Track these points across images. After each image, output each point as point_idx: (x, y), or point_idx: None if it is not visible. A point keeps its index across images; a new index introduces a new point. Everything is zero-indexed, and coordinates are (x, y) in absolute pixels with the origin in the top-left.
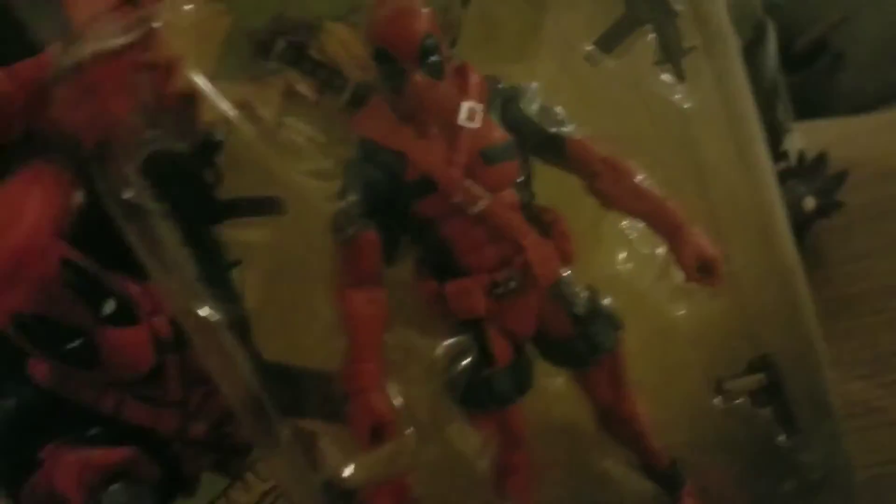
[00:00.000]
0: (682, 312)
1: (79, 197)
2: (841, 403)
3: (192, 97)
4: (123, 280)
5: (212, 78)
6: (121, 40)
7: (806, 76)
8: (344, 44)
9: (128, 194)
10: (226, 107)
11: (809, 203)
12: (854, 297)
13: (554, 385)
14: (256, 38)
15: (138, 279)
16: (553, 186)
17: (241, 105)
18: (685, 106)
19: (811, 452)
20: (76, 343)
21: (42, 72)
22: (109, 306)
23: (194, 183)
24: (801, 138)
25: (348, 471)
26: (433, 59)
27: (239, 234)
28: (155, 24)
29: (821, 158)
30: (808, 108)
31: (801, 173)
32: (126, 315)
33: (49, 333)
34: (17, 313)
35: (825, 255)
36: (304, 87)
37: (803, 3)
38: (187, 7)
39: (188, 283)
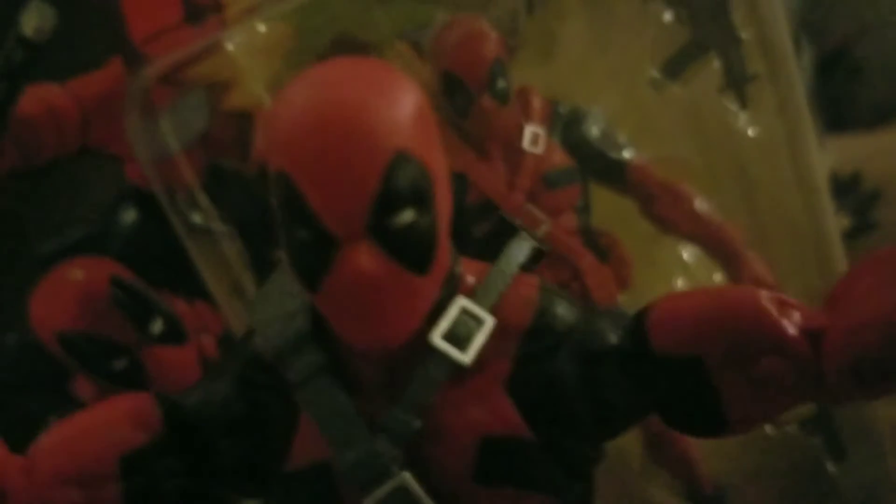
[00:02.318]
0: None
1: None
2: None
3: (249, 114)
4: (172, 299)
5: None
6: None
7: (824, 87)
8: (407, 63)
9: (196, 217)
10: None
11: (843, 222)
12: None
13: None
14: (318, 59)
15: (187, 298)
16: (607, 209)
17: None
18: (748, 132)
19: (856, 478)
20: (122, 361)
21: (99, 88)
22: (157, 325)
23: (258, 204)
24: (832, 154)
25: None
26: (501, 83)
27: None
28: (218, 44)
29: (855, 177)
30: (827, 120)
31: (834, 191)
32: (174, 334)
33: (94, 351)
34: (62, 331)
35: None
36: None
37: (821, 13)
38: (252, 26)
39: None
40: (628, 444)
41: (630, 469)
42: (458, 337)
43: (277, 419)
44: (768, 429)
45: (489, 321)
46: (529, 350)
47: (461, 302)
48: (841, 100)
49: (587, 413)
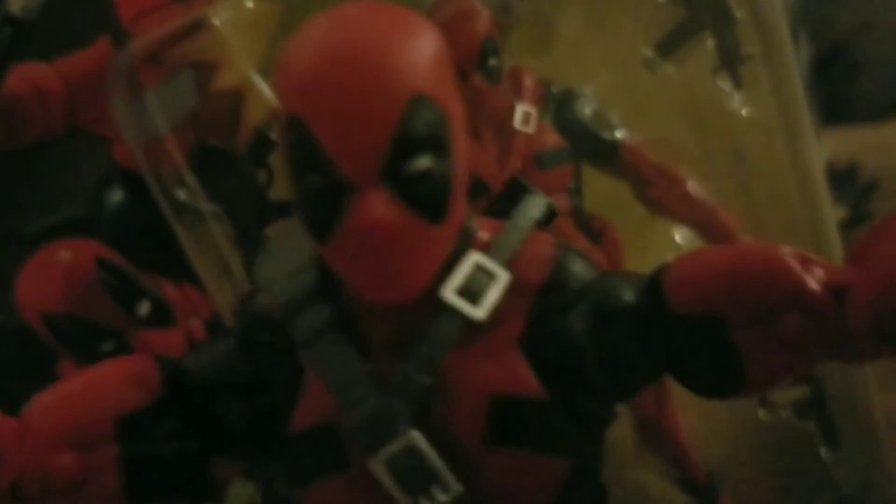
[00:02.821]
0: None
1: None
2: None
3: (238, 94)
4: (160, 282)
5: (260, 75)
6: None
7: (822, 83)
8: None
9: (181, 195)
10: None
11: (839, 213)
12: None
13: None
14: None
15: (175, 281)
16: (600, 192)
17: None
18: (742, 113)
19: (850, 465)
20: (109, 344)
21: (87, 68)
22: (144, 308)
23: (247, 183)
24: (829, 146)
25: None
26: (492, 62)
27: None
28: (205, 21)
29: (852, 168)
30: (825, 115)
31: (831, 183)
32: (161, 317)
33: (81, 334)
34: (49, 313)
35: None
36: None
37: (819, 10)
38: (239, 4)
39: (238, 284)
40: (620, 429)
41: (621, 455)
42: (471, 292)
43: (282, 379)
44: (762, 414)
45: (503, 276)
46: (544, 307)
47: (475, 257)
48: (839, 95)
49: (601, 372)
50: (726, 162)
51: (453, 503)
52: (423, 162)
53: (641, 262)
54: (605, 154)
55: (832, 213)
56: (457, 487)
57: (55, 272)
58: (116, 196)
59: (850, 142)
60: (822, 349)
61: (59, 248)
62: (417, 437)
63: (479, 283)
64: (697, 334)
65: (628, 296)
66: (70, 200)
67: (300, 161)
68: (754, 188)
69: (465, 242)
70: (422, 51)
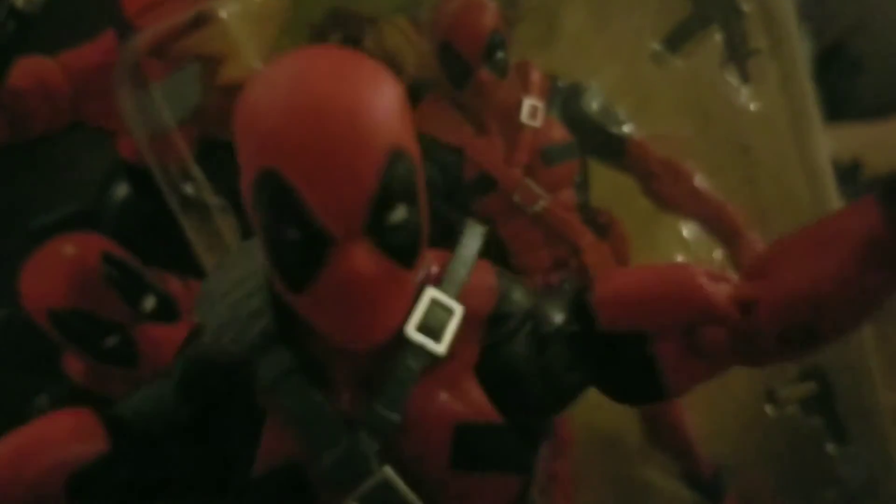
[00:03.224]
0: None
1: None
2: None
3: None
4: (164, 276)
5: None
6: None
7: (822, 81)
8: (405, 37)
9: (188, 189)
10: None
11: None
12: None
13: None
14: (314, 30)
15: (180, 276)
16: (606, 187)
17: None
18: (750, 108)
19: (857, 461)
20: (114, 339)
21: (91, 62)
22: (149, 302)
23: None
24: (831, 143)
25: None
26: (499, 55)
27: None
28: (211, 14)
29: (855, 165)
30: (827, 112)
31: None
32: (166, 312)
33: (86, 329)
34: (53, 308)
35: None
36: None
37: (819, 7)
38: None
39: None
40: (625, 425)
41: (627, 451)
42: (430, 328)
43: (237, 423)
44: (769, 410)
45: (458, 310)
46: (495, 335)
47: (431, 292)
48: (839, 93)
49: (543, 392)
50: (733, 156)
51: None
52: (400, 212)
53: (648, 256)
54: (612, 148)
55: (839, 203)
56: None
57: (60, 267)
58: (121, 190)
59: (853, 139)
60: (732, 355)
61: (64, 243)
62: (390, 473)
63: (437, 319)
64: (622, 349)
65: (560, 318)
66: (74, 195)
67: (276, 214)
68: (761, 183)
69: (424, 278)
70: (392, 102)
